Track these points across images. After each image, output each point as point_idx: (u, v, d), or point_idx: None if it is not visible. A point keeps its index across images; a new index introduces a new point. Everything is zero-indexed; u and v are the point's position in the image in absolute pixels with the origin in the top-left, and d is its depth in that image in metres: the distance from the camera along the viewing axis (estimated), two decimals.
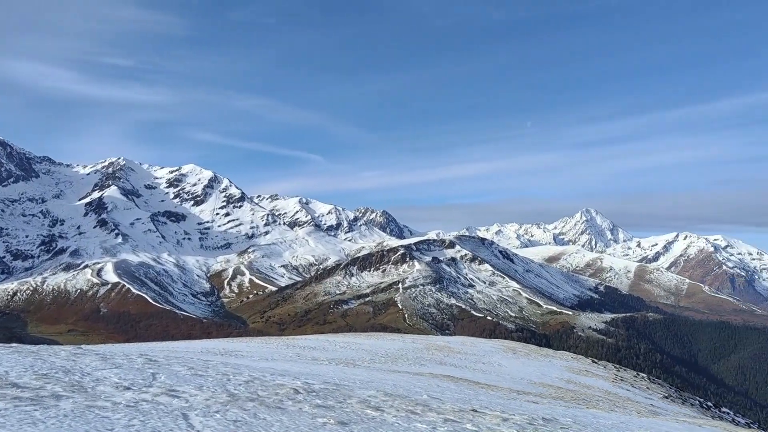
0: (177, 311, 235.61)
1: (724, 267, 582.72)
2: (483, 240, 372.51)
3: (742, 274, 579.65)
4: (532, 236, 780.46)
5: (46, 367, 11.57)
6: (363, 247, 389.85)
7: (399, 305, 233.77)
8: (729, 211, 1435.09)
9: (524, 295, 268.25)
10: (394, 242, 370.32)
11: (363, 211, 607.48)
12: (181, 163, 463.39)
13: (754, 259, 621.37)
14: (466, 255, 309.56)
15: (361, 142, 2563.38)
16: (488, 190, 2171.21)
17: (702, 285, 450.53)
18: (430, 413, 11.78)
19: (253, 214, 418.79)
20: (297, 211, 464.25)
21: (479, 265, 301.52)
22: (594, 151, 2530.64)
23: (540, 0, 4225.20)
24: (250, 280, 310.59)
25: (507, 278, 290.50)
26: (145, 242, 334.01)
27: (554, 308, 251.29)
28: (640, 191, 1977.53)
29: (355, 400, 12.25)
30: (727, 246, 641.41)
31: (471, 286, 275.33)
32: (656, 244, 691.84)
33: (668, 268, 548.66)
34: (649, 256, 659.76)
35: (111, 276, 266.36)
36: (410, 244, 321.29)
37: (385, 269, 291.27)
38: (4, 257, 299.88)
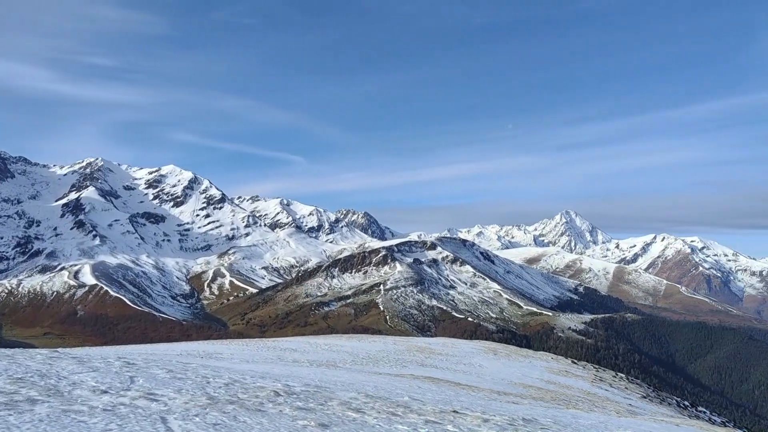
0: (156, 313, 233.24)
1: (701, 268, 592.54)
2: (464, 241, 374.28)
3: (718, 275, 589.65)
4: (512, 238, 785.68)
5: (21, 371, 11.35)
6: (344, 248, 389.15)
7: (380, 307, 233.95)
8: (705, 213, 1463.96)
9: (505, 296, 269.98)
10: (375, 244, 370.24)
11: (344, 212, 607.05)
12: (161, 164, 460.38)
13: (729, 261, 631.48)
14: (447, 256, 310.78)
15: (342, 144, 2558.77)
16: (469, 192, 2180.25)
17: (679, 286, 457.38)
18: (411, 415, 11.79)
19: (233, 215, 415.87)
20: (278, 213, 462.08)
21: (460, 266, 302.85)
22: (573, 154, 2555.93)
23: (516, 4, 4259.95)
24: (231, 282, 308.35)
25: (488, 279, 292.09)
26: (124, 244, 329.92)
27: (534, 309, 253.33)
28: (619, 193, 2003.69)
29: (336, 402, 12.22)
30: (703, 247, 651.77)
31: (452, 287, 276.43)
32: (634, 246, 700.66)
33: (646, 270, 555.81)
34: (627, 258, 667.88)
35: (88, 278, 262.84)
36: (392, 245, 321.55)
37: (366, 271, 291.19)
38: None
